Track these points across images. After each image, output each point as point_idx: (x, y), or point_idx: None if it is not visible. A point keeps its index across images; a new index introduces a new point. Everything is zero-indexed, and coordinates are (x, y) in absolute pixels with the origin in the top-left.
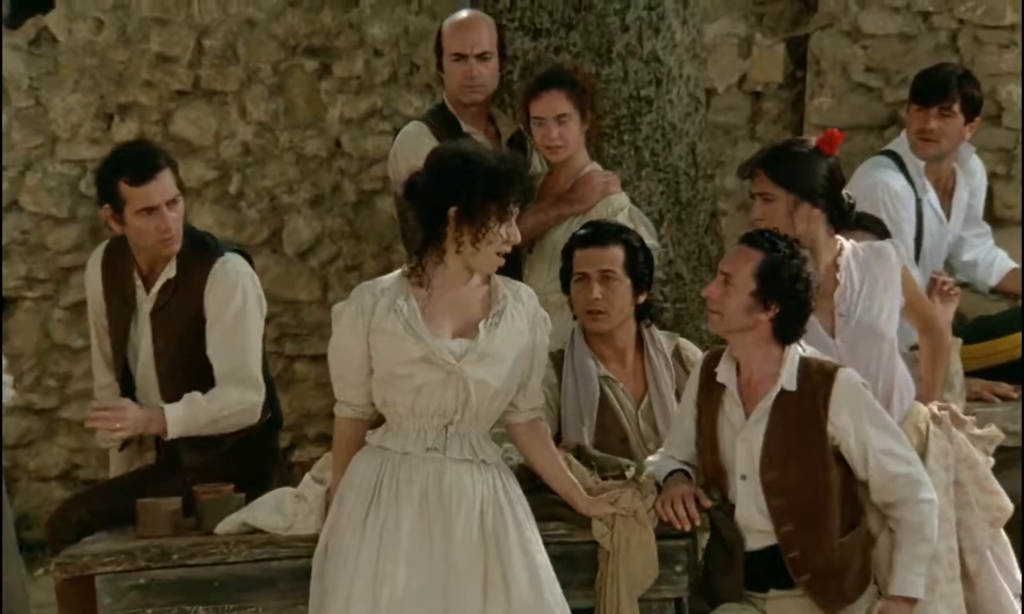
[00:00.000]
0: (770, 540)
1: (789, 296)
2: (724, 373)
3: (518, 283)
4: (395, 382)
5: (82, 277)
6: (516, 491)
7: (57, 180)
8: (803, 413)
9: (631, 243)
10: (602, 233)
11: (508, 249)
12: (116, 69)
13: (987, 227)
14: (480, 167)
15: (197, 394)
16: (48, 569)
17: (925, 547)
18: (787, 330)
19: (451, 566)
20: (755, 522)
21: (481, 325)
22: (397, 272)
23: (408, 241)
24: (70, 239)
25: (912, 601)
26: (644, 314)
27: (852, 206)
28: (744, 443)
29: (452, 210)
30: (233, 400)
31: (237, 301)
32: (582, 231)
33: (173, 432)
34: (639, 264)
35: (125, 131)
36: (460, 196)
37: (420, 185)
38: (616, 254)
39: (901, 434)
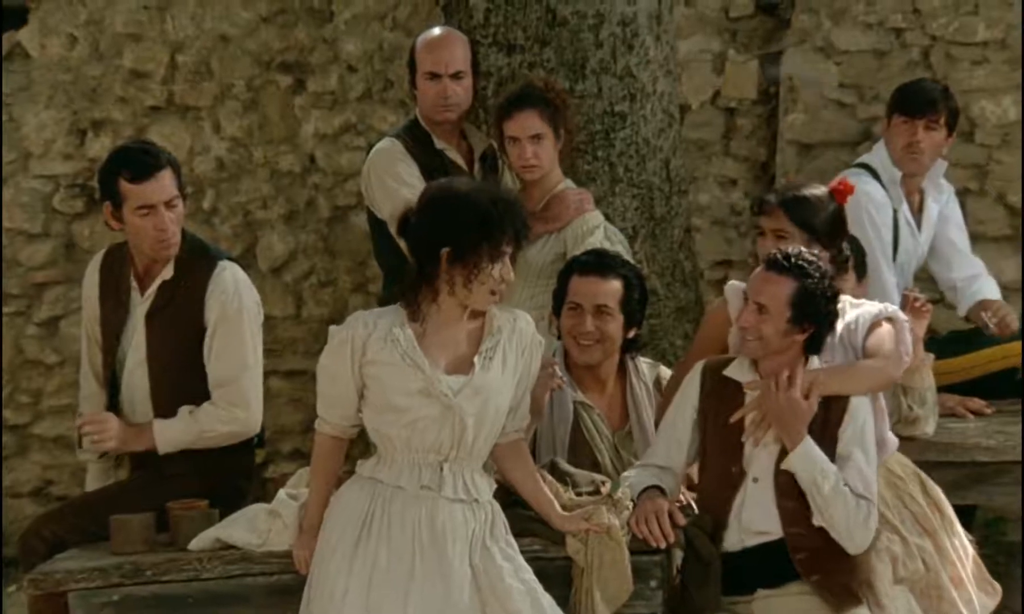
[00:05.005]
0: (765, 539)
1: (823, 316)
2: (745, 374)
3: (517, 311)
4: (390, 414)
5: (55, 293)
6: (503, 527)
7: (30, 196)
8: (821, 421)
9: (630, 279)
10: (604, 264)
11: (504, 288)
12: (89, 85)
13: (981, 267)
14: (472, 209)
15: (185, 410)
16: (21, 586)
17: (838, 493)
18: (817, 344)
19: (450, 602)
20: (758, 524)
21: (476, 359)
22: (393, 305)
23: (381, 259)
24: (43, 255)
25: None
26: (631, 347)
27: (847, 258)
28: (765, 445)
29: (444, 251)
30: (221, 420)
31: (238, 311)
32: (584, 257)
33: (165, 449)
34: (634, 301)
35: (98, 147)
36: (451, 238)
37: (413, 224)
38: (614, 288)
39: (875, 467)
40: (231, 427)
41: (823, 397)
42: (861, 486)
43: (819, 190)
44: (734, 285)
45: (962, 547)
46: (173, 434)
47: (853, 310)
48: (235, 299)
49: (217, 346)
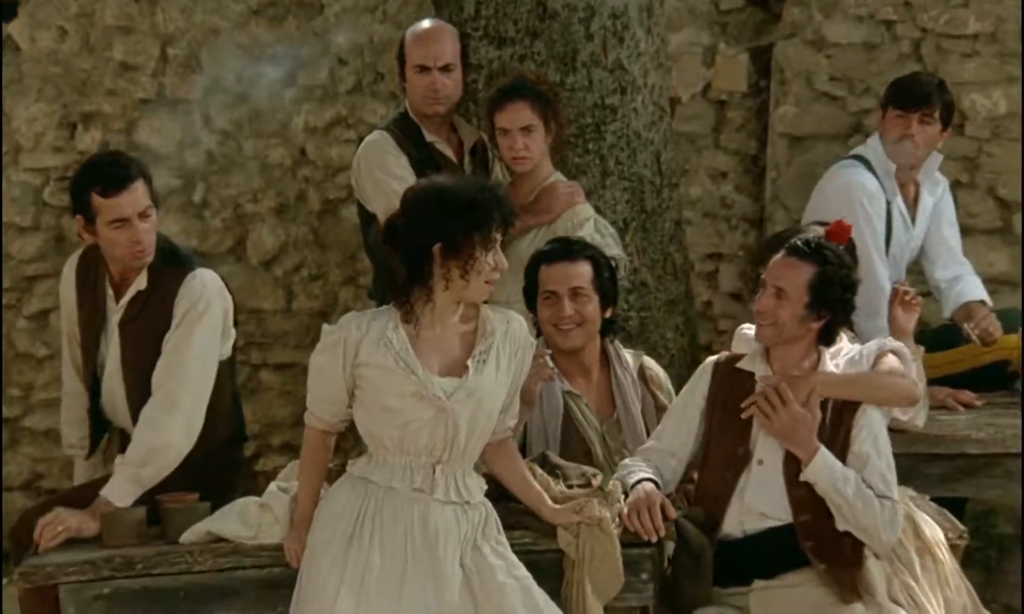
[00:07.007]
0: (767, 524)
1: (840, 305)
2: (757, 367)
3: (510, 312)
4: (383, 416)
5: (46, 286)
6: (495, 526)
7: (21, 189)
8: (832, 425)
9: (597, 259)
10: (570, 249)
11: (497, 277)
12: (80, 78)
13: (967, 266)
14: (458, 200)
15: (118, 458)
16: (12, 579)
17: (857, 500)
18: (831, 334)
19: (443, 605)
20: (760, 506)
21: (470, 362)
22: (386, 306)
23: (371, 252)
24: (34, 248)
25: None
26: (608, 330)
27: None
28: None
29: (436, 248)
30: (146, 426)
31: (197, 315)
32: (548, 247)
33: (126, 501)
34: (605, 279)
35: (88, 140)
36: (442, 232)
37: (400, 228)
38: (584, 270)
39: (893, 470)
40: (154, 438)
41: (835, 404)
42: (883, 486)
43: (818, 233)
44: (745, 330)
45: (955, 590)
46: (120, 486)
47: (853, 344)
48: (198, 304)
49: (169, 345)
